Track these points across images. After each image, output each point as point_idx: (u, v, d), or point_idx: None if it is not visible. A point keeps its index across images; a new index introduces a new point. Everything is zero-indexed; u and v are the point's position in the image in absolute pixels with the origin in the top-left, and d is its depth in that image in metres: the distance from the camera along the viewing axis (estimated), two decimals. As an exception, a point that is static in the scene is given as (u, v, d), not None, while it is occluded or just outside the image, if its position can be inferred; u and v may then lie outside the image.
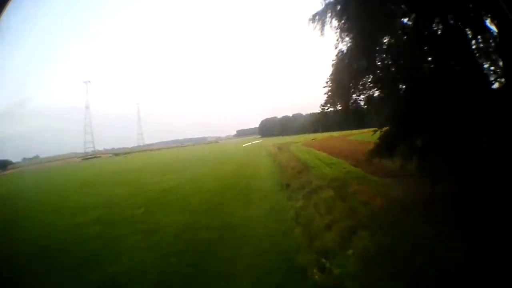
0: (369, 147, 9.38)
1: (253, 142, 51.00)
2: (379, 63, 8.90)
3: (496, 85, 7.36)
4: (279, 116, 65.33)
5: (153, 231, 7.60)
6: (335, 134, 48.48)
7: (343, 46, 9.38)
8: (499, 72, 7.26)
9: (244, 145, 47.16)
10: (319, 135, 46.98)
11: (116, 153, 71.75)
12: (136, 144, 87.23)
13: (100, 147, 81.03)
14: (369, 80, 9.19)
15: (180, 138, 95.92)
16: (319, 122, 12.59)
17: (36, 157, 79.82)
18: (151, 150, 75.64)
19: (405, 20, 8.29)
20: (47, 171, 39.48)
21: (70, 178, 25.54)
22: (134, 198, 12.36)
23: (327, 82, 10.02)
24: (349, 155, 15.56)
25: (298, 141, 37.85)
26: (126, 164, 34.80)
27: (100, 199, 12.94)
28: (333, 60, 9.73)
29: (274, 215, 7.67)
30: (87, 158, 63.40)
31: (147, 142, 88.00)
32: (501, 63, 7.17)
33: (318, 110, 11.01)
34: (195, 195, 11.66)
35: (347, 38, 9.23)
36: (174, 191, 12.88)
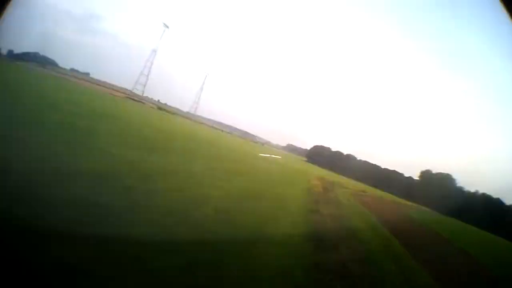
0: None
1: (272, 156, 48.40)
2: None
3: None
4: (333, 148, 64.30)
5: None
6: (386, 196, 39.41)
7: None
8: None
9: (260, 154, 43.17)
10: (368, 188, 39.22)
11: (160, 108, 68.20)
12: (187, 110, 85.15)
13: (152, 94, 76.64)
14: None
15: (232, 125, 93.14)
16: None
17: (87, 74, 74.70)
18: (195, 121, 72.22)
19: None
20: (76, 90, 36.87)
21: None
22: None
23: None
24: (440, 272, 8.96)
25: (347, 187, 30.35)
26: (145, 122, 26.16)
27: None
28: None
29: None
30: (130, 98, 60.89)
31: (199, 113, 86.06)
32: None
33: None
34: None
35: None
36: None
